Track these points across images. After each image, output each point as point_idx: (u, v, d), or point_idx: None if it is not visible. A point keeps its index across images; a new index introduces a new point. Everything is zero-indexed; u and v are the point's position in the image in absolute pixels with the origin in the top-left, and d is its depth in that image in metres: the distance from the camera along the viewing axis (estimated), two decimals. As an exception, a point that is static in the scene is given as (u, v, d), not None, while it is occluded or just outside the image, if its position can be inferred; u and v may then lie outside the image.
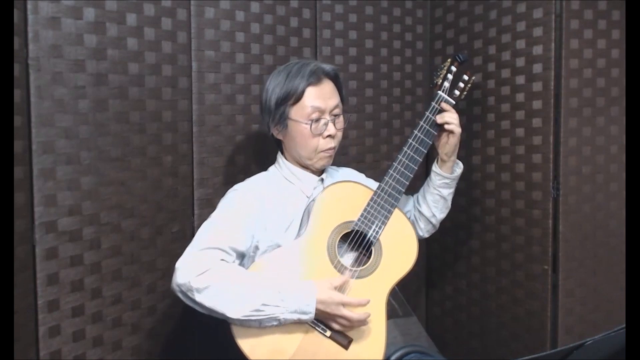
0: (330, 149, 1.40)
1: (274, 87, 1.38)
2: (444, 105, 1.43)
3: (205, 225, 1.33)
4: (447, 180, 1.52)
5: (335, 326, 1.26)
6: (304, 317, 1.22)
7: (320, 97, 1.37)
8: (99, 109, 1.43)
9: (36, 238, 1.33)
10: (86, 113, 1.41)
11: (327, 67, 1.40)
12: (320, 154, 1.40)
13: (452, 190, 1.56)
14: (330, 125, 1.38)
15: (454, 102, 1.45)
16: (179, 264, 1.24)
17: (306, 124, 1.36)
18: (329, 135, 1.39)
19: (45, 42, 1.33)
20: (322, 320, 1.26)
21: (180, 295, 1.23)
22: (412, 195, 1.64)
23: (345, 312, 1.23)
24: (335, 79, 1.42)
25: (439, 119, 1.42)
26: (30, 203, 1.32)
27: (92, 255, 1.44)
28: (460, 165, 1.56)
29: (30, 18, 1.30)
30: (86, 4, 1.39)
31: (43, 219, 1.34)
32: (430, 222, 1.59)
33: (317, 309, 1.22)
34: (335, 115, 1.40)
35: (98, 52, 1.42)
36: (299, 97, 1.35)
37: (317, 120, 1.36)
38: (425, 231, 1.61)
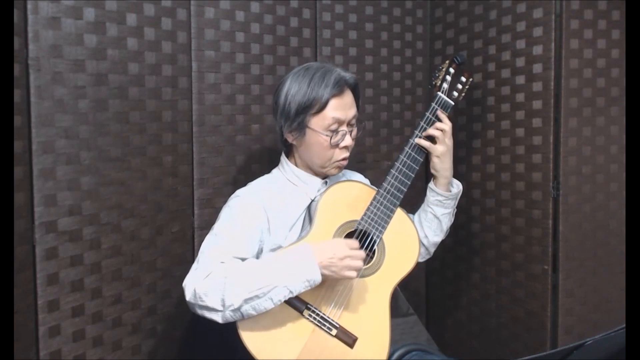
0: (344, 159, 1.39)
1: (295, 92, 1.33)
2: (440, 114, 1.42)
3: (208, 239, 1.31)
4: (440, 198, 1.48)
5: (347, 274, 1.23)
6: (310, 275, 1.19)
7: (341, 108, 1.34)
8: (99, 109, 1.43)
9: (36, 238, 1.33)
10: (86, 113, 1.41)
11: (348, 76, 1.37)
12: (334, 163, 1.39)
13: (447, 211, 1.50)
14: (347, 136, 1.37)
15: (452, 104, 1.45)
16: (184, 282, 1.24)
17: (326, 135, 1.34)
18: (345, 147, 1.37)
19: (45, 42, 1.33)
20: (331, 273, 1.23)
21: (196, 309, 1.22)
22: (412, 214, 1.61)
23: (352, 262, 1.22)
24: (354, 88, 1.39)
25: (425, 132, 1.40)
26: (30, 203, 1.32)
27: (92, 255, 1.44)
28: (458, 185, 1.51)
29: (30, 18, 1.30)
30: (86, 4, 1.39)
31: (43, 219, 1.34)
32: (423, 244, 1.52)
33: (322, 265, 1.20)
34: (351, 126, 1.38)
35: (98, 52, 1.42)
36: (321, 108, 1.32)
37: (336, 131, 1.35)
38: None
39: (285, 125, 1.36)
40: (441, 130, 1.41)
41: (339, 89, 1.33)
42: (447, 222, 1.52)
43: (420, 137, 1.41)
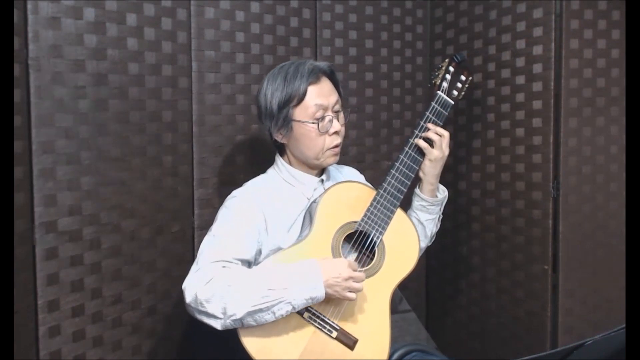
0: (337, 145, 1.39)
1: (273, 91, 1.35)
2: (430, 126, 1.41)
3: (206, 240, 1.31)
4: (424, 203, 1.48)
5: (349, 295, 1.24)
6: (314, 293, 1.20)
7: (321, 94, 1.36)
8: (99, 109, 1.43)
9: (36, 238, 1.33)
10: (86, 113, 1.41)
11: (322, 64, 1.39)
12: (327, 152, 1.38)
13: (431, 217, 1.50)
14: (335, 121, 1.37)
15: (452, 103, 1.45)
16: (184, 285, 1.23)
17: (312, 123, 1.34)
18: (335, 132, 1.38)
19: (45, 42, 1.33)
20: (333, 293, 1.23)
21: (195, 314, 1.22)
22: None
23: (354, 284, 1.23)
24: (331, 75, 1.40)
25: (428, 134, 1.40)
26: (30, 203, 1.32)
27: (92, 255, 1.44)
28: (443, 191, 1.51)
29: (30, 18, 1.30)
30: (86, 4, 1.39)
31: (43, 219, 1.34)
32: None
33: (327, 284, 1.21)
34: (336, 112, 1.39)
35: (98, 52, 1.42)
36: (301, 98, 1.34)
37: (322, 118, 1.35)
38: None
39: (272, 125, 1.37)
40: (440, 136, 1.41)
41: (314, 76, 1.35)
42: (431, 227, 1.52)
43: (419, 138, 1.41)
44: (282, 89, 1.34)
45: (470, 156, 1.88)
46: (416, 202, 1.49)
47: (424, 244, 1.53)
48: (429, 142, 1.41)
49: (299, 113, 1.35)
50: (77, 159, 1.40)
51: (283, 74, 1.35)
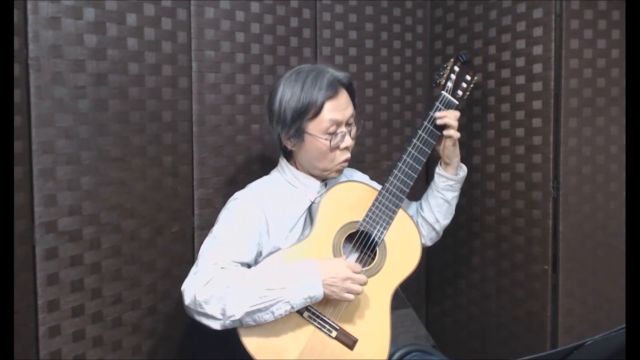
0: (346, 160, 1.38)
1: (289, 98, 1.31)
2: (443, 113, 1.43)
3: (207, 242, 1.31)
4: (450, 183, 1.51)
5: (347, 295, 1.24)
6: (312, 292, 1.20)
7: (337, 109, 1.32)
8: (99, 109, 1.43)
9: (36, 238, 1.33)
10: (86, 113, 1.41)
11: (342, 75, 1.35)
12: (336, 166, 1.37)
13: (456, 194, 1.55)
14: (347, 137, 1.35)
15: (457, 103, 1.45)
16: (183, 286, 1.23)
17: (325, 139, 1.32)
18: (345, 148, 1.36)
19: (45, 42, 1.33)
20: (331, 293, 1.23)
21: (195, 315, 1.22)
22: (415, 201, 1.62)
23: (352, 286, 1.23)
24: (349, 87, 1.38)
25: (440, 120, 1.41)
26: (30, 203, 1.32)
27: (92, 255, 1.44)
28: (464, 168, 1.55)
29: (30, 18, 1.30)
30: (86, 4, 1.39)
31: (43, 219, 1.34)
32: (434, 229, 1.57)
33: (325, 284, 1.21)
34: (349, 125, 1.36)
35: (98, 52, 1.42)
36: (317, 112, 1.30)
37: (335, 134, 1.33)
38: (428, 239, 1.59)
39: (283, 132, 1.34)
40: (448, 125, 1.43)
41: (333, 90, 1.31)
42: (455, 204, 1.57)
43: (424, 137, 1.41)
44: (298, 99, 1.30)
45: (470, 156, 1.88)
46: (442, 183, 1.52)
47: (448, 220, 1.59)
48: (441, 129, 1.43)
49: (313, 127, 1.32)
50: (77, 159, 1.40)
51: (301, 83, 1.31)
